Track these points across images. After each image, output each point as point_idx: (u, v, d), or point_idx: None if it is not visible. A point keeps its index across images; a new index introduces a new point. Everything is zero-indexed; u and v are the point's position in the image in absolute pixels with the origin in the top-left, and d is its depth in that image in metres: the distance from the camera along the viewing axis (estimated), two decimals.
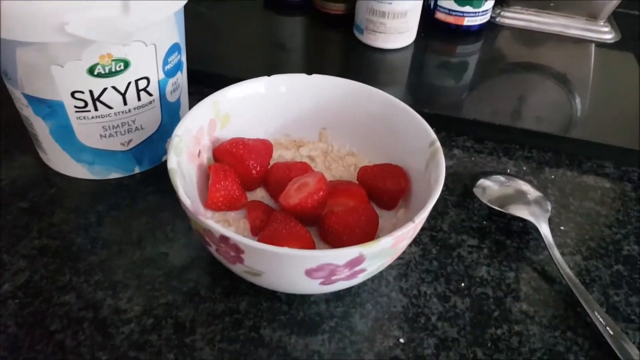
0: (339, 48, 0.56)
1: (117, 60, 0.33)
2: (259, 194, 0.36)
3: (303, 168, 0.35)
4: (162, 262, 0.34)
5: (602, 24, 0.59)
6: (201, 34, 0.55)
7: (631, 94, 0.51)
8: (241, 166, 0.34)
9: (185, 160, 0.32)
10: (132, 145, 0.38)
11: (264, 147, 0.35)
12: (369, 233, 0.31)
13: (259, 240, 0.30)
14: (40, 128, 0.36)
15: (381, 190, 0.34)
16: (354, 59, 0.54)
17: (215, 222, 0.27)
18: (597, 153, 0.45)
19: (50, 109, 0.34)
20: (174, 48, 0.37)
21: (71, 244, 0.34)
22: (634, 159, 0.44)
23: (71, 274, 0.33)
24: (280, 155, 0.39)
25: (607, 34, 0.59)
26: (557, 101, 0.50)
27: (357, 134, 0.38)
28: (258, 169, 0.35)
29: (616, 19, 0.61)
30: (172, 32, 0.36)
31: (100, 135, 0.36)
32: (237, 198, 0.33)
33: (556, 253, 0.35)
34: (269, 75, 0.37)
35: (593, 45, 0.58)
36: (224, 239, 0.26)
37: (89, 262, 0.33)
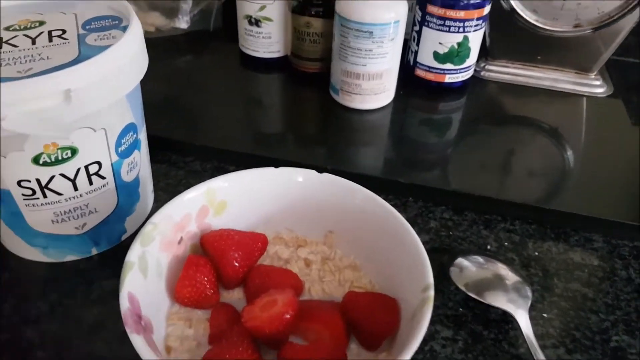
0: (316, 107, 0.55)
1: (64, 148, 0.31)
2: (237, 295, 0.33)
3: (285, 278, 0.32)
4: None
5: (593, 77, 0.56)
6: (176, 92, 0.54)
7: (624, 155, 0.49)
8: (220, 261, 0.32)
9: (155, 249, 0.30)
10: (86, 228, 0.36)
11: (253, 243, 0.33)
12: None
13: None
14: None
15: (363, 327, 0.30)
16: (331, 118, 0.53)
17: (163, 335, 0.25)
18: (585, 225, 0.42)
19: None
20: (128, 128, 0.35)
21: (20, 338, 0.33)
22: (624, 232, 0.41)
23: None
24: (276, 251, 0.35)
25: (598, 88, 0.56)
26: (546, 159, 0.48)
27: (363, 246, 0.34)
28: (238, 267, 0.32)
29: (609, 68, 0.59)
30: (125, 114, 0.35)
31: (52, 221, 0.35)
32: (207, 297, 0.31)
33: (537, 349, 0.32)
34: (276, 167, 0.35)
35: (584, 100, 0.56)
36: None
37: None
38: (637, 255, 0.40)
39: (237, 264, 0.32)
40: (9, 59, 0.31)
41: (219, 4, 0.66)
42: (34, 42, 0.33)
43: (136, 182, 0.38)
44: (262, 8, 0.55)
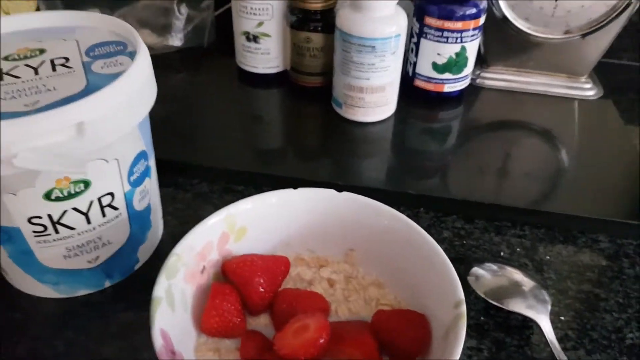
0: (318, 121, 0.55)
1: (76, 182, 0.31)
2: (263, 321, 0.32)
3: (312, 300, 0.32)
4: None
5: (583, 80, 0.58)
6: (174, 112, 0.54)
7: (618, 155, 0.50)
8: (245, 288, 0.31)
9: (180, 281, 0.30)
10: (99, 261, 0.35)
11: (276, 267, 0.33)
12: None
13: None
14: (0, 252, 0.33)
15: (395, 345, 0.30)
16: (333, 132, 0.53)
17: None
18: (590, 227, 0.43)
19: (6, 235, 0.32)
20: (140, 156, 0.35)
21: None
22: (628, 232, 0.42)
23: None
24: (298, 273, 0.35)
25: (589, 91, 0.58)
26: (542, 163, 0.49)
27: (386, 263, 0.34)
28: (263, 293, 0.31)
29: (597, 71, 0.60)
30: (137, 142, 0.34)
31: (64, 257, 0.34)
32: (234, 326, 0.30)
33: (560, 353, 0.32)
34: (295, 188, 0.34)
35: (576, 103, 0.57)
36: None
37: None
38: None
39: (262, 290, 0.31)
40: (13, 92, 0.30)
41: (213, 19, 0.65)
42: (36, 72, 0.32)
43: (148, 209, 0.37)
44: (260, 24, 0.54)
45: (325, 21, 0.52)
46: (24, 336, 0.34)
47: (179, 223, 0.43)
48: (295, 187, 0.35)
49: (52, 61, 0.33)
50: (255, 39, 0.56)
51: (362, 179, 0.46)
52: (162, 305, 0.27)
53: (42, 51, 0.34)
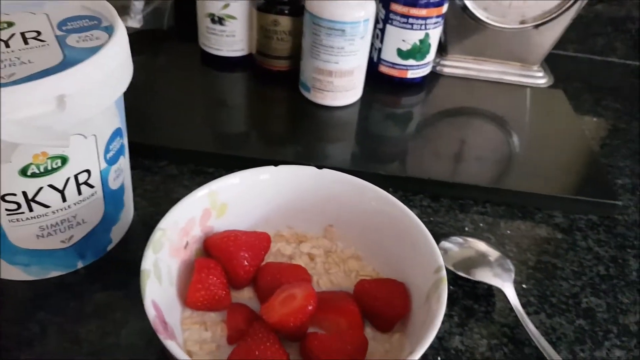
0: (285, 105, 0.55)
1: (54, 158, 0.30)
2: (247, 294, 0.33)
3: (296, 272, 0.32)
4: None
5: (535, 68, 0.61)
6: (135, 94, 0.52)
7: (568, 139, 0.54)
8: (230, 263, 0.31)
9: (165, 256, 0.30)
10: (73, 241, 0.34)
11: (259, 242, 0.33)
12: None
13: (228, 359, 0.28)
14: None
15: (377, 311, 0.31)
16: (300, 116, 0.53)
17: (180, 340, 0.24)
18: (545, 203, 0.46)
19: None
20: (116, 133, 0.34)
21: None
22: (580, 207, 0.46)
23: None
24: (279, 249, 0.36)
25: (541, 79, 0.61)
26: (498, 147, 0.51)
27: (364, 237, 0.35)
28: (248, 267, 0.32)
29: (550, 60, 0.64)
30: (113, 119, 0.33)
31: (37, 236, 0.33)
32: (220, 299, 0.30)
33: (525, 317, 0.35)
34: (275, 165, 0.35)
35: (529, 90, 0.61)
36: None
37: None
38: (592, 227, 0.45)
39: (247, 264, 0.32)
40: None
41: (172, 2, 0.64)
42: (7, 45, 0.31)
43: (121, 189, 0.37)
44: (226, 6, 0.54)
45: (293, 4, 0.53)
46: None
47: (150, 204, 0.42)
48: None
49: (22, 34, 0.32)
50: (220, 21, 0.55)
51: (331, 161, 0.47)
52: (151, 277, 0.27)
53: (10, 24, 0.33)
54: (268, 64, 0.57)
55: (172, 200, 0.42)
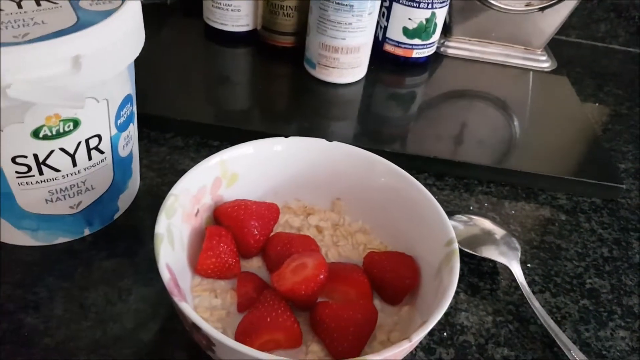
0: (289, 81, 0.55)
1: (66, 120, 0.29)
2: (256, 264, 0.33)
3: (305, 243, 0.32)
4: (130, 340, 0.30)
5: (539, 52, 0.61)
6: (141, 67, 0.52)
7: (572, 122, 0.54)
8: (240, 232, 0.31)
9: (177, 222, 0.30)
10: (81, 207, 0.34)
11: (269, 212, 0.33)
12: (364, 332, 0.28)
13: (239, 326, 0.28)
14: None
15: (387, 283, 0.31)
16: (304, 93, 0.53)
17: (191, 306, 0.24)
18: (550, 184, 0.46)
19: None
20: (127, 100, 0.34)
21: (21, 326, 0.30)
22: (583, 190, 0.46)
23: None
24: (287, 220, 0.36)
25: (544, 62, 0.62)
26: (501, 128, 0.52)
27: (372, 210, 0.35)
28: (258, 236, 0.32)
29: (552, 46, 0.64)
30: (125, 84, 0.33)
31: (46, 200, 0.32)
32: (230, 267, 0.31)
33: (531, 295, 0.35)
34: (286, 136, 0.35)
35: (532, 73, 0.61)
36: (196, 327, 0.24)
37: (45, 346, 0.30)
38: (596, 209, 0.46)
39: (257, 233, 0.32)
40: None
41: None
42: (20, 6, 0.30)
43: (130, 157, 0.36)
44: None
45: None
46: (3, 283, 0.32)
47: (156, 175, 0.42)
48: None
49: None
50: None
51: (335, 138, 0.46)
52: (164, 242, 0.27)
53: None
54: (273, 39, 0.56)
55: (178, 171, 0.42)
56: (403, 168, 0.45)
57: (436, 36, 0.56)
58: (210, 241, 0.30)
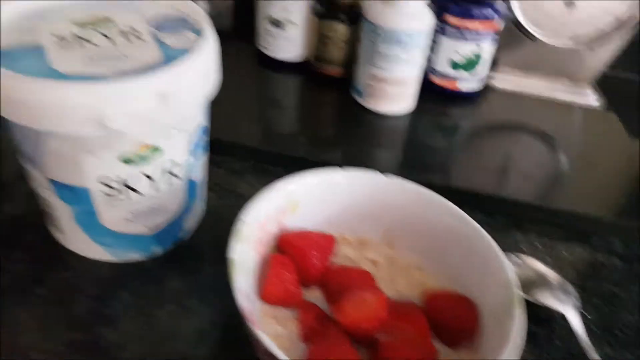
0: (337, 109, 0.57)
1: (151, 148, 0.32)
2: (314, 294, 0.34)
3: (364, 278, 0.33)
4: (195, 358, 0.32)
5: (587, 87, 0.61)
6: None
7: (625, 162, 0.54)
8: (302, 261, 0.33)
9: (246, 248, 0.31)
10: (155, 227, 0.36)
11: (327, 243, 0.34)
12: None
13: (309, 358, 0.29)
14: (62, 211, 0.34)
15: (446, 325, 0.32)
16: (351, 120, 0.55)
17: (265, 334, 0.25)
18: (604, 229, 0.46)
19: (75, 195, 0.33)
20: (202, 130, 0.36)
21: (99, 338, 0.33)
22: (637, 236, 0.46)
23: None
24: (342, 252, 0.37)
25: (591, 98, 0.61)
26: (549, 164, 0.52)
27: (428, 248, 0.36)
28: (318, 266, 0.33)
29: (600, 81, 0.64)
30: (202, 116, 0.35)
31: (126, 220, 0.35)
32: (293, 295, 0.32)
33: (590, 347, 0.35)
34: (342, 167, 0.36)
35: (578, 109, 0.61)
36: (270, 355, 0.25)
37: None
38: None
39: (317, 263, 0.33)
40: (93, 56, 0.31)
41: (232, 4, 0.66)
42: (110, 40, 0.32)
43: (199, 181, 0.39)
44: (285, 10, 0.56)
45: (352, 13, 0.54)
46: (79, 294, 0.35)
47: (216, 196, 0.44)
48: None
49: (121, 30, 0.34)
50: (279, 24, 0.57)
51: (379, 166, 0.47)
52: (237, 267, 0.29)
53: (108, 20, 0.35)
54: (322, 68, 0.58)
55: (237, 194, 0.44)
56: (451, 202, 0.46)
57: (483, 69, 0.57)
58: (276, 269, 0.32)
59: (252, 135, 0.50)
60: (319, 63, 0.58)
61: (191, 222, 0.40)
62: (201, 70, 0.32)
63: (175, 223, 0.38)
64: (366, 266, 0.36)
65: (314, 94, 0.59)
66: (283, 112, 0.55)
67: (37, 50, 0.31)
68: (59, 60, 0.30)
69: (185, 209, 0.38)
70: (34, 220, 0.38)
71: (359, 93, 0.55)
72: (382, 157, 0.50)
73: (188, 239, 0.40)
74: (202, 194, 0.41)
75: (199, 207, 0.41)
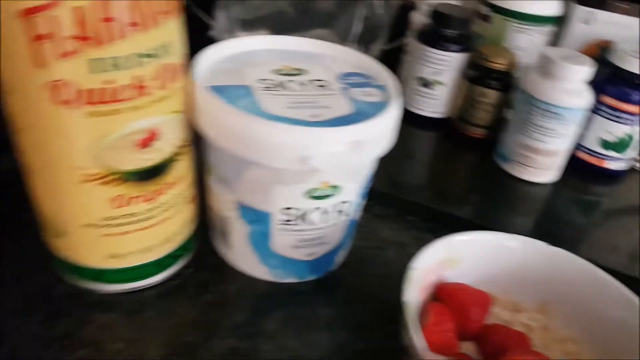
0: (476, 169, 0.60)
1: (333, 187, 0.36)
2: (467, 347, 0.35)
3: (522, 340, 0.34)
4: None
5: None
6: None
7: None
8: (462, 315, 0.35)
9: (414, 293, 0.33)
10: (314, 256, 0.40)
11: (484, 300, 0.36)
12: None
13: None
14: (239, 230, 0.39)
15: None
16: (490, 182, 0.57)
17: None
18: None
19: (257, 217, 0.37)
20: (372, 176, 0.40)
21: (258, 349, 0.36)
22: None
23: None
24: (496, 312, 0.38)
25: None
26: None
27: (586, 323, 0.36)
28: (477, 322, 0.35)
29: None
30: (374, 164, 0.39)
31: (293, 247, 0.39)
32: (452, 345, 0.33)
33: None
34: (459, 227, 0.38)
35: None
36: None
37: None
38: None
39: (476, 319, 0.35)
40: (296, 103, 0.35)
41: (378, 54, 0.71)
42: (306, 89, 0.37)
43: (356, 220, 0.42)
44: (437, 73, 0.60)
45: (504, 81, 0.57)
46: (241, 306, 0.39)
47: (360, 237, 0.47)
48: (458, 226, 0.38)
49: (314, 81, 0.38)
50: (428, 85, 0.61)
51: (512, 230, 0.48)
52: (411, 310, 0.31)
53: (302, 71, 0.40)
54: (466, 129, 0.61)
55: (379, 238, 0.47)
56: None
57: (633, 151, 0.57)
58: (438, 317, 0.33)
59: (393, 184, 0.54)
60: (462, 124, 0.61)
61: (341, 257, 0.43)
62: (389, 124, 0.36)
63: (330, 255, 0.41)
64: (520, 329, 0.37)
65: (454, 151, 0.62)
66: (423, 166, 0.59)
67: (245, 90, 0.36)
68: (265, 101, 0.35)
69: (341, 244, 0.41)
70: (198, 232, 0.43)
71: (504, 158, 0.57)
72: (514, 222, 0.52)
73: (335, 271, 0.43)
74: (354, 232, 0.44)
75: (349, 244, 0.44)
